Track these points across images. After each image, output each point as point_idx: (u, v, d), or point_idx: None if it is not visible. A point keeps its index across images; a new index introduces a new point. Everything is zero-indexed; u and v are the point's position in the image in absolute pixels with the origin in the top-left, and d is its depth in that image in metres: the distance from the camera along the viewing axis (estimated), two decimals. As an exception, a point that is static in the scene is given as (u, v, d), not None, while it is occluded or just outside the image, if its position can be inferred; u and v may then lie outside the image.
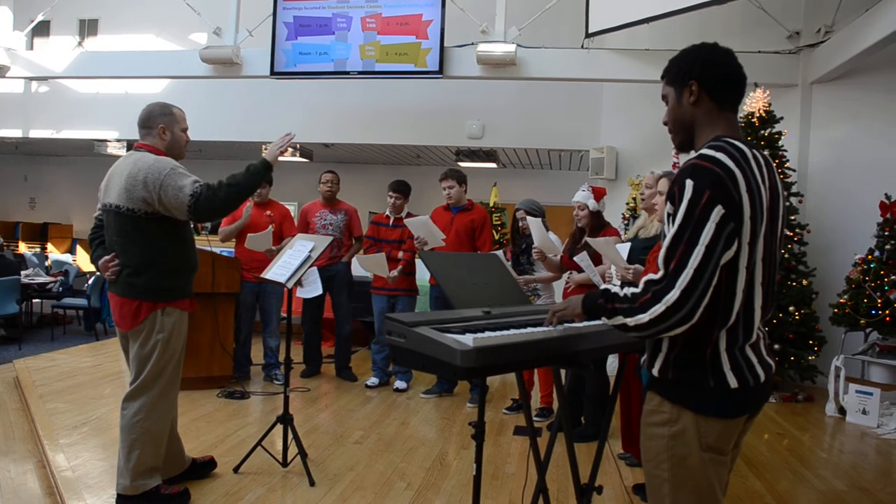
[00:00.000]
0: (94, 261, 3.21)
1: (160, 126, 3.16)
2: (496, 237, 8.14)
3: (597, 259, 4.34)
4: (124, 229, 3.05)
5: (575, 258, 4.13)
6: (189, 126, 3.32)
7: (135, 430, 3.05)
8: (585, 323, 1.94)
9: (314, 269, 5.09)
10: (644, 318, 1.57)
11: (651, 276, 1.60)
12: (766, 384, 1.70)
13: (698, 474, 1.63)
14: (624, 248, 3.80)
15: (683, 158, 4.44)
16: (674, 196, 1.59)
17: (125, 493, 3.06)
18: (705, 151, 1.62)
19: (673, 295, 1.53)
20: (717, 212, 1.52)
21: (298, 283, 4.87)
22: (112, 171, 3.16)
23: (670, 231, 1.58)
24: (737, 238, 1.55)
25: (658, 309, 1.54)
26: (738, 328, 1.63)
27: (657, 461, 1.68)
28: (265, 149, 10.34)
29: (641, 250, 3.64)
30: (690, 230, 1.54)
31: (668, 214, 1.61)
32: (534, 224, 4.45)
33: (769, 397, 1.77)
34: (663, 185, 3.48)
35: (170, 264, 3.10)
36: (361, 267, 5.52)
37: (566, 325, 1.96)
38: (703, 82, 1.72)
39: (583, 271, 4.17)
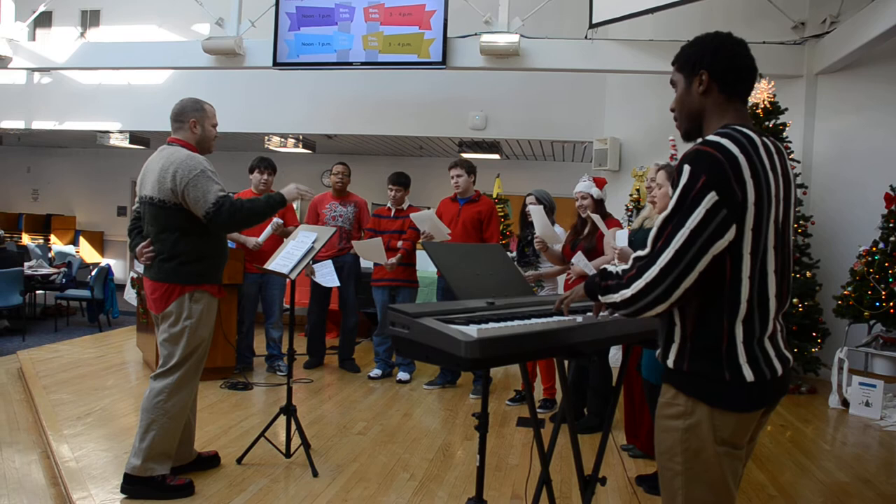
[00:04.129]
0: (131, 249, 3.36)
1: (191, 120, 3.28)
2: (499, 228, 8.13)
3: (598, 251, 4.33)
4: (157, 219, 3.18)
5: (572, 260, 4.14)
6: None
7: (154, 411, 3.12)
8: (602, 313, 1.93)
9: (329, 261, 5.11)
10: (628, 292, 1.60)
11: (639, 252, 1.64)
12: (784, 378, 1.68)
13: (712, 468, 1.62)
14: (623, 236, 3.79)
15: (682, 152, 4.43)
16: (675, 180, 1.61)
17: (133, 472, 3.10)
18: (710, 137, 1.62)
19: (652, 271, 1.56)
20: (710, 198, 1.52)
21: (310, 272, 4.90)
22: (147, 165, 3.30)
23: (664, 212, 1.60)
24: (735, 225, 1.54)
25: (639, 284, 1.58)
26: (754, 319, 1.61)
27: (671, 454, 1.66)
28: (268, 140, 10.23)
29: (644, 241, 3.63)
30: (681, 213, 1.55)
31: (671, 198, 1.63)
32: (536, 212, 4.43)
33: (786, 391, 1.76)
34: (661, 177, 3.48)
35: (199, 252, 3.21)
36: (359, 253, 5.52)
37: (588, 314, 1.97)
38: (713, 72, 1.71)
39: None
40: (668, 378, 1.70)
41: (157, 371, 3.20)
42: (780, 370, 1.65)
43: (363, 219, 5.98)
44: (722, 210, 1.52)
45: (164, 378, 3.17)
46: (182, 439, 3.32)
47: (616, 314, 1.72)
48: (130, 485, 3.11)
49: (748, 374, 1.59)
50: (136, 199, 3.37)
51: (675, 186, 1.59)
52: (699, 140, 1.67)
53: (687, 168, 1.56)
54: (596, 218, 4.07)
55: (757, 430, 1.74)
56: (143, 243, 3.23)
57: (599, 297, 1.70)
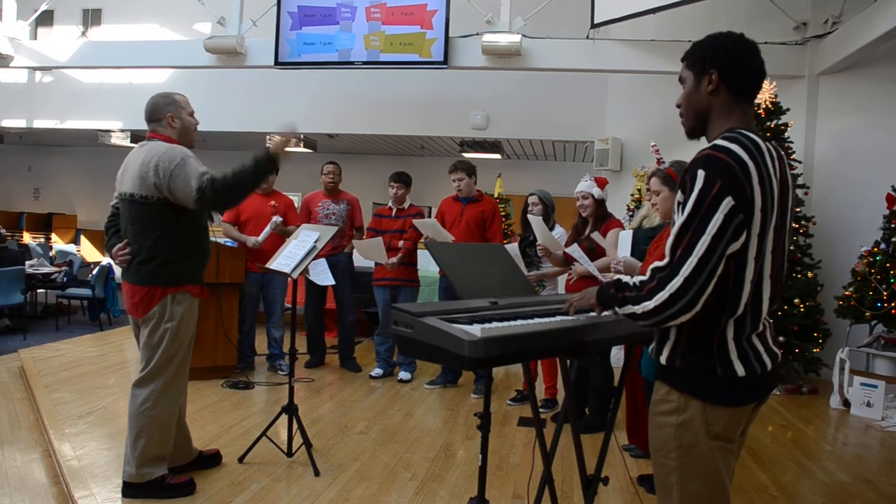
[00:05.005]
0: (107, 249, 3.25)
1: (168, 115, 3.18)
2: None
3: (599, 251, 4.33)
4: (137, 217, 3.08)
5: (567, 250, 4.13)
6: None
7: (142, 419, 3.07)
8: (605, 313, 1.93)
9: (322, 259, 5.10)
10: (650, 304, 1.58)
11: (657, 263, 1.61)
12: (773, 373, 1.71)
13: (706, 463, 1.64)
14: (626, 237, 3.79)
15: (668, 158, 4.43)
16: (685, 185, 1.60)
17: (130, 480, 3.08)
18: (720, 142, 1.62)
19: (676, 282, 1.54)
20: (727, 203, 1.52)
21: (305, 271, 4.89)
22: (127, 160, 3.19)
23: (679, 219, 1.59)
24: (745, 230, 1.55)
25: (663, 296, 1.56)
26: (746, 318, 1.63)
27: (665, 450, 1.68)
28: (269, 139, 10.28)
29: (645, 240, 3.63)
30: (699, 219, 1.54)
31: (679, 203, 1.61)
32: (535, 222, 4.44)
33: (775, 386, 1.78)
34: (656, 183, 3.47)
35: (181, 251, 3.12)
36: (359, 253, 5.52)
37: (588, 314, 1.97)
38: (723, 73, 1.71)
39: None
40: (661, 375, 1.72)
41: (139, 376, 3.11)
42: (769, 365, 1.68)
43: (355, 216, 5.99)
44: (739, 215, 1.53)
45: (147, 384, 3.09)
46: (179, 439, 3.30)
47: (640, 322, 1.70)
48: (130, 489, 3.10)
49: (739, 370, 1.62)
50: (115, 194, 3.24)
51: (686, 191, 1.58)
52: (708, 145, 1.66)
53: (701, 173, 1.56)
54: (596, 236, 4.08)
55: (748, 423, 1.77)
56: (119, 245, 3.13)
57: (617, 309, 1.69)
